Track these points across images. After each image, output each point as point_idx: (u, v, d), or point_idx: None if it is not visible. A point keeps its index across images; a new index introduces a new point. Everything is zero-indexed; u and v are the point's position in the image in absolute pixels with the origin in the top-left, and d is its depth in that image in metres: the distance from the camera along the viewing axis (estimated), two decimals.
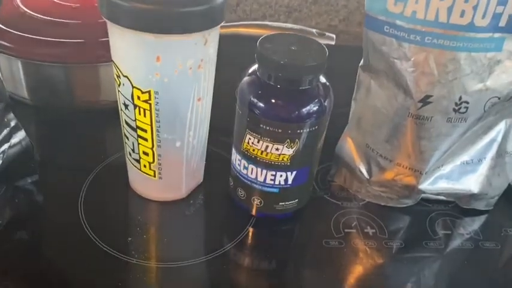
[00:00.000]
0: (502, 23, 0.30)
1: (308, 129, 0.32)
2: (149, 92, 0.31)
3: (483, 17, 0.30)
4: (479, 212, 0.41)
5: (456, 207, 0.41)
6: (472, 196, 0.39)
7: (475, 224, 0.40)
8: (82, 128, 0.45)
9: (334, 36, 0.48)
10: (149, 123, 0.33)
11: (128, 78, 0.31)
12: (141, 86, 0.31)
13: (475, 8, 0.29)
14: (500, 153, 0.38)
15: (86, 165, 0.41)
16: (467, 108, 0.33)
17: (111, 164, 0.41)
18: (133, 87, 0.31)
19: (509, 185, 0.41)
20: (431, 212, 0.40)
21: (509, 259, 0.37)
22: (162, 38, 0.29)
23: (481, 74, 0.32)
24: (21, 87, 0.47)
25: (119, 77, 0.32)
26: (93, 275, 0.32)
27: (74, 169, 0.41)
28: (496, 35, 0.31)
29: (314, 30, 0.49)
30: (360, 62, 0.38)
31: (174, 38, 0.29)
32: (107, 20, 0.30)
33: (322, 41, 0.45)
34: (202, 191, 0.40)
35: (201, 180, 0.40)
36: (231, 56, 0.43)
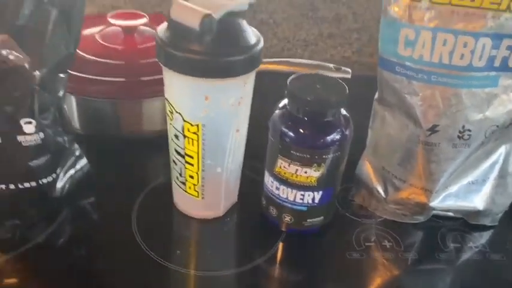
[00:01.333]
0: (497, 63, 0.36)
1: (332, 155, 0.37)
2: (198, 125, 0.37)
3: (480, 59, 0.35)
4: (486, 228, 0.45)
5: (465, 223, 0.46)
6: (478, 213, 0.43)
7: (482, 238, 0.45)
8: (128, 155, 0.51)
9: (350, 70, 0.54)
10: (196, 151, 0.38)
11: (180, 114, 0.37)
12: (191, 120, 0.37)
13: (472, 52, 0.35)
14: (502, 174, 0.43)
15: (134, 188, 0.46)
16: (470, 135, 0.38)
17: (156, 186, 0.47)
18: (184, 121, 0.37)
19: None
20: (442, 227, 0.45)
21: None
22: (210, 82, 0.35)
23: (480, 106, 0.37)
24: (73, 119, 0.53)
25: (171, 112, 0.38)
26: (147, 282, 0.37)
27: (124, 191, 0.46)
28: (492, 73, 0.36)
29: (331, 65, 0.54)
30: (372, 90, 0.43)
31: (220, 82, 0.35)
32: (163, 66, 0.36)
33: (339, 75, 0.51)
34: (237, 210, 0.45)
35: (236, 200, 0.45)
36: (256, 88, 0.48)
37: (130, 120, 0.53)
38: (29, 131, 0.35)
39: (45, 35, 0.33)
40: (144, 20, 0.55)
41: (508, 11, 0.34)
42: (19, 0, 0.32)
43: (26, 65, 0.33)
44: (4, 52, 0.32)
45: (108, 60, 0.52)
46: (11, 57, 0.32)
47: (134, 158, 0.51)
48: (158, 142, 0.46)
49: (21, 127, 0.35)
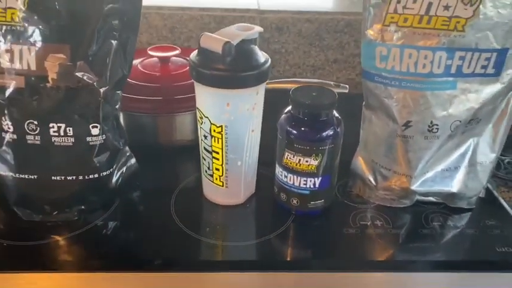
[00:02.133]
0: (453, 70, 0.46)
1: (327, 147, 0.48)
2: (221, 126, 0.48)
3: (438, 67, 0.45)
4: (464, 210, 0.54)
5: (446, 207, 0.54)
6: (454, 195, 0.52)
7: (460, 218, 0.53)
8: (165, 159, 0.62)
9: (347, 86, 0.64)
10: (220, 148, 0.49)
11: (208, 118, 0.48)
12: (216, 122, 0.48)
13: (432, 62, 0.45)
14: (472, 163, 0.52)
15: (171, 183, 0.57)
16: (437, 129, 0.48)
17: (188, 182, 0.58)
18: (211, 123, 0.48)
19: (487, 188, 0.54)
20: (426, 210, 0.54)
21: (485, 239, 0.50)
22: (231, 92, 0.46)
23: (443, 105, 0.47)
24: None
25: (201, 118, 0.49)
26: (184, 250, 0.47)
27: (163, 186, 0.57)
28: (450, 78, 0.46)
29: (332, 82, 0.65)
30: None
31: (238, 92, 0.46)
32: (194, 81, 0.47)
33: (338, 90, 0.61)
34: (255, 198, 0.55)
35: (254, 191, 0.56)
36: (267, 101, 0.59)
37: (166, 131, 0.64)
38: (95, 133, 0.47)
39: (109, 61, 0.45)
40: (176, 52, 0.67)
41: (455, 30, 0.44)
42: (91, 37, 0.44)
43: (95, 84, 0.45)
44: (80, 74, 0.44)
45: (148, 84, 0.64)
46: (85, 78, 0.44)
47: (170, 161, 0.62)
48: (189, 149, 0.58)
49: (89, 130, 0.46)
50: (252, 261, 0.47)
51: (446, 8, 0.44)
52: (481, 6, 0.43)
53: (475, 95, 0.47)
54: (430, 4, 0.44)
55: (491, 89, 0.47)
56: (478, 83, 0.47)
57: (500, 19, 0.43)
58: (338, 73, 0.91)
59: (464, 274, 0.47)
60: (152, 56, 0.67)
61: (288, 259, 0.48)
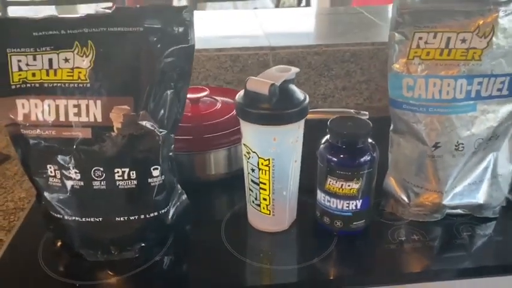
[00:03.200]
0: (473, 95, 0.51)
1: (366, 171, 0.52)
2: (269, 159, 0.52)
3: (460, 93, 0.51)
4: (489, 219, 0.59)
5: (473, 217, 0.59)
6: (481, 206, 0.57)
7: (487, 227, 0.58)
8: (205, 192, 0.66)
9: (367, 112, 0.70)
10: (268, 179, 0.53)
11: (256, 153, 0.52)
12: (264, 156, 0.52)
13: (454, 89, 0.51)
14: (494, 175, 0.57)
15: (216, 215, 0.61)
16: (463, 147, 0.53)
17: (233, 212, 0.62)
18: (259, 157, 0.52)
19: (508, 199, 0.60)
20: (456, 222, 0.59)
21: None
22: (277, 128, 0.50)
23: (467, 125, 0.53)
24: None
25: (248, 153, 0.53)
26: (234, 274, 0.51)
27: (210, 218, 0.61)
28: (470, 102, 0.52)
29: (352, 111, 0.71)
30: (383, 126, 0.58)
31: (284, 128, 0.51)
32: (241, 120, 0.52)
33: (360, 116, 0.66)
34: (297, 224, 0.59)
35: (295, 217, 0.60)
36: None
37: (201, 166, 0.68)
38: (156, 174, 0.51)
39: (166, 108, 0.50)
40: (206, 92, 0.72)
41: (473, 60, 0.50)
42: (151, 89, 0.48)
43: (155, 130, 0.49)
44: (142, 123, 0.48)
45: (181, 124, 0.69)
46: (147, 125, 0.48)
47: (209, 194, 0.66)
48: (225, 181, 0.63)
49: (151, 172, 0.50)
50: (301, 283, 0.52)
51: (463, 41, 0.50)
52: (493, 37, 0.49)
53: (493, 115, 0.53)
54: (448, 38, 0.50)
55: (507, 108, 0.53)
56: (495, 104, 0.52)
57: (511, 47, 0.50)
58: (347, 99, 0.97)
59: (503, 278, 0.52)
60: None
61: (338, 278, 0.52)
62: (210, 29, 1.07)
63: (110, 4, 2.29)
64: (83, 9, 2.42)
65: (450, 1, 0.50)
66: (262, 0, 3.38)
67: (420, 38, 0.51)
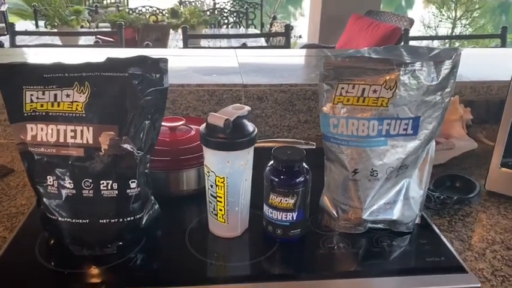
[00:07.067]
0: (383, 133, 0.66)
1: (301, 189, 0.66)
2: (223, 177, 0.66)
3: (372, 131, 0.66)
4: (404, 233, 0.73)
5: (391, 232, 0.73)
6: (395, 222, 0.71)
7: (402, 239, 0.72)
8: (175, 205, 0.80)
9: (314, 143, 0.84)
10: (223, 193, 0.67)
11: (213, 172, 0.66)
12: (220, 175, 0.66)
13: (368, 128, 0.66)
14: (406, 197, 0.71)
15: (183, 224, 0.75)
16: (377, 174, 0.68)
17: (197, 221, 0.75)
18: (216, 176, 0.66)
19: (423, 216, 0.74)
20: (376, 235, 0.72)
21: (419, 253, 0.69)
22: (230, 153, 0.65)
23: (379, 156, 0.67)
24: None
25: (208, 172, 0.67)
26: (195, 270, 0.64)
27: (177, 226, 0.75)
28: (382, 138, 0.66)
29: (302, 141, 0.85)
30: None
31: (235, 153, 0.65)
32: (204, 146, 0.66)
33: (307, 147, 0.81)
34: (248, 231, 0.73)
35: (247, 226, 0.73)
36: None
37: (175, 183, 0.82)
38: (133, 186, 0.64)
39: (143, 135, 0.64)
40: (182, 122, 0.86)
41: (382, 106, 0.65)
42: (132, 120, 0.63)
43: (134, 151, 0.63)
44: (124, 146, 0.63)
45: (160, 147, 0.83)
46: (128, 147, 0.63)
47: (180, 206, 0.80)
48: (194, 197, 0.76)
49: (129, 185, 0.64)
50: (248, 276, 0.65)
51: (375, 91, 0.65)
52: (397, 90, 0.64)
53: (401, 149, 0.67)
54: (363, 89, 0.65)
55: (413, 144, 0.68)
56: (402, 140, 0.67)
57: (410, 98, 0.65)
58: (308, 131, 1.12)
59: (405, 277, 0.65)
60: (163, 126, 0.86)
61: (276, 273, 0.66)
62: (194, 65, 1.22)
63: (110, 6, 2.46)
64: (82, 41, 2.60)
65: (364, 61, 0.65)
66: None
67: (342, 88, 0.66)
